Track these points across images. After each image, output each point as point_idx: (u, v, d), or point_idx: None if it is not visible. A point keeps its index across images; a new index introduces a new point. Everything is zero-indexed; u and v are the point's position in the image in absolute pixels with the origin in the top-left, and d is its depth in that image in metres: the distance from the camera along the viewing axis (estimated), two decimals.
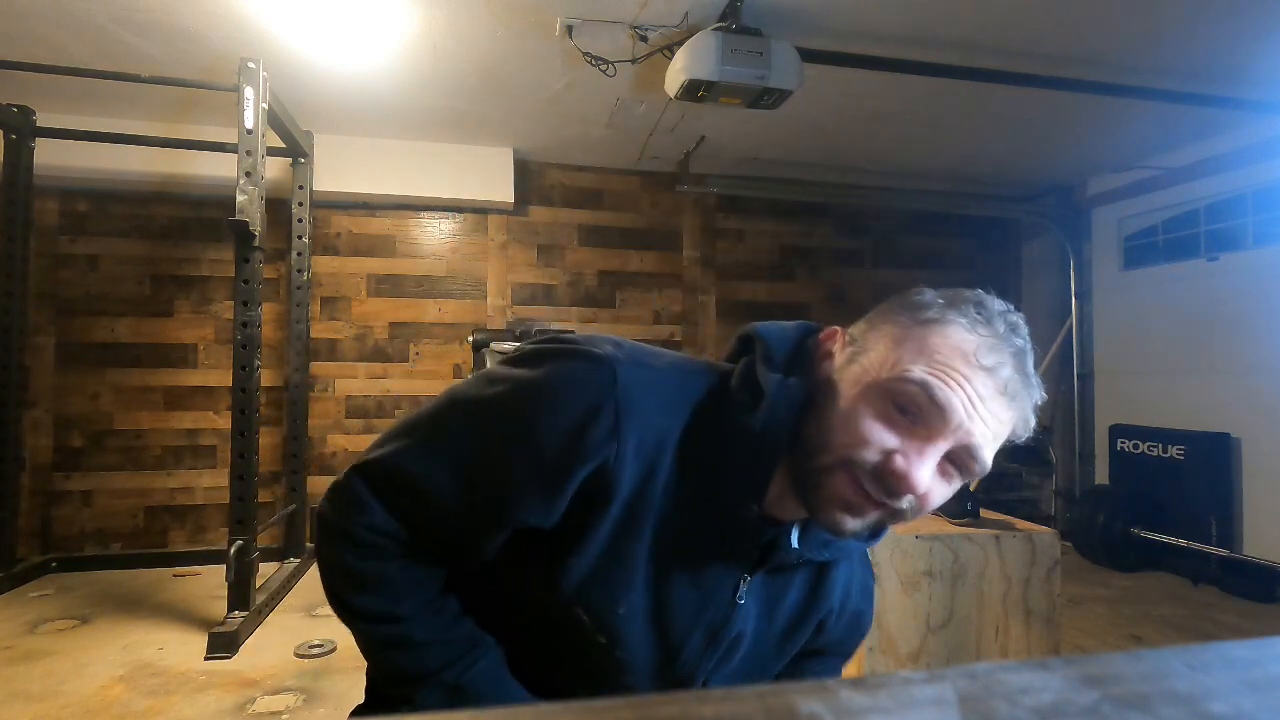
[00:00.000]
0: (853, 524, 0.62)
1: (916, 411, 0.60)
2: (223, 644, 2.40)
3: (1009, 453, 3.83)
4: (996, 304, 0.63)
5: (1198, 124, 3.42)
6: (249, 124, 2.58)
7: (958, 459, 0.61)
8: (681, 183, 4.12)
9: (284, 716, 2.02)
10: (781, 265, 4.51)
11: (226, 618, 2.53)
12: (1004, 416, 0.61)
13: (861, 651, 1.63)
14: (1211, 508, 3.46)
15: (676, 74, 2.44)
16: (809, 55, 2.52)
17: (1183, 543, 3.44)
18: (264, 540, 3.04)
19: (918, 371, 0.59)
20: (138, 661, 2.35)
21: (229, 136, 2.83)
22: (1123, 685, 0.20)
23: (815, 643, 0.83)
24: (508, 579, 0.72)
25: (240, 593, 2.57)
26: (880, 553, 1.64)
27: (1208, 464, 3.52)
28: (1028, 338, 0.63)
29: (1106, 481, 4.11)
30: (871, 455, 0.60)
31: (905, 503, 0.61)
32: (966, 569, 1.69)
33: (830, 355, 0.67)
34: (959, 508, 1.80)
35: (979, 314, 0.62)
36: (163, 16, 2.47)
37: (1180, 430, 3.69)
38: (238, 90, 2.58)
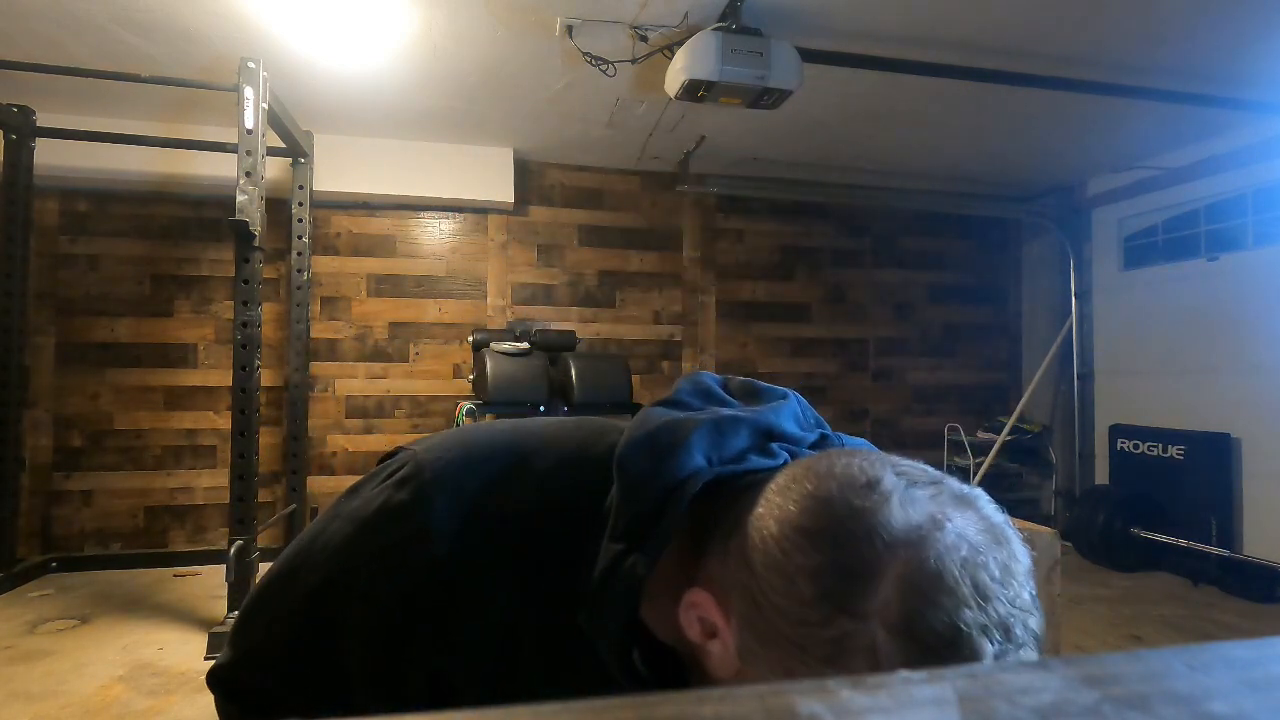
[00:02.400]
0: None
1: None
2: (223, 644, 2.40)
3: (1009, 453, 3.80)
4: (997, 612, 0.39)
5: (1198, 124, 3.42)
6: (249, 124, 2.58)
7: None
8: (681, 183, 4.12)
9: None
10: (781, 265, 4.51)
11: (226, 618, 2.53)
12: None
13: None
14: (1211, 508, 3.46)
15: (676, 74, 2.44)
16: (809, 55, 2.52)
17: (1183, 543, 3.44)
18: (264, 540, 3.04)
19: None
20: (138, 661, 2.35)
21: (229, 136, 2.83)
22: (1123, 685, 0.20)
23: None
24: None
25: (240, 593, 2.56)
26: None
27: (1208, 464, 3.52)
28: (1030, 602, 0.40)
29: (1106, 481, 4.11)
30: None
31: None
32: None
33: (697, 621, 0.46)
34: None
35: (972, 622, 0.38)
36: (163, 16, 2.47)
37: (1180, 430, 3.69)
38: (238, 90, 2.58)
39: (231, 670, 0.58)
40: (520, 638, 0.49)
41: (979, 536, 0.41)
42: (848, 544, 0.40)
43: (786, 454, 0.50)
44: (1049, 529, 1.78)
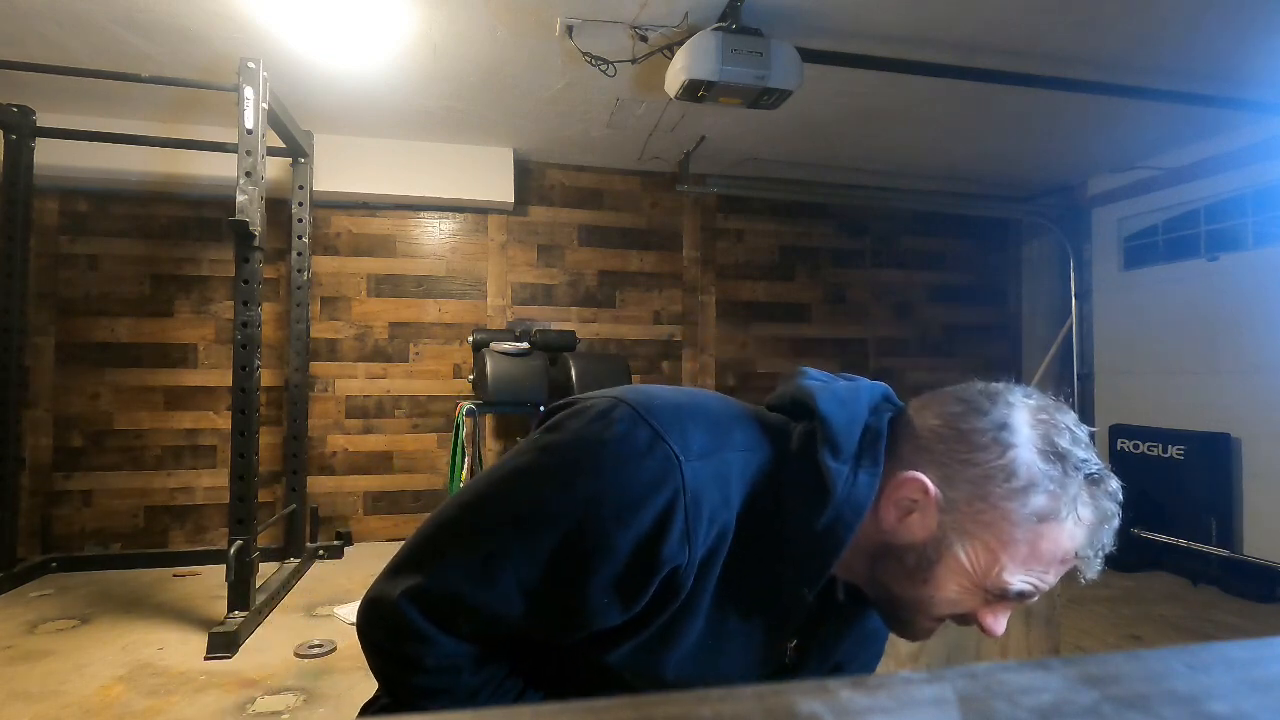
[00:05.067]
0: (924, 636, 0.68)
1: (1016, 593, 0.63)
2: (223, 644, 2.40)
3: None
4: (1092, 452, 0.64)
5: (1198, 124, 3.42)
6: (249, 124, 2.58)
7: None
8: (681, 183, 4.12)
9: (284, 716, 2.02)
10: (781, 265, 4.51)
11: (226, 618, 2.53)
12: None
13: None
14: (1211, 508, 3.46)
15: (676, 74, 2.44)
16: (809, 55, 2.52)
17: (1183, 543, 3.43)
18: (264, 540, 3.04)
19: (1017, 583, 0.61)
20: (138, 661, 2.35)
21: (229, 136, 2.83)
22: (1123, 685, 0.20)
23: (846, 666, 0.84)
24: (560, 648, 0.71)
25: (240, 593, 2.57)
26: None
27: (1208, 464, 3.52)
28: (1120, 495, 0.65)
29: None
30: (944, 609, 0.65)
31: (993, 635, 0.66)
32: None
33: (912, 507, 0.64)
34: None
35: (1090, 497, 0.62)
36: (163, 16, 2.47)
37: (1180, 430, 3.69)
38: (238, 90, 2.58)
39: (446, 586, 0.63)
40: (723, 541, 0.63)
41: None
42: (993, 403, 0.66)
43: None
44: None
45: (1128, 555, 3.65)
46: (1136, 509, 3.67)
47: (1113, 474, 0.64)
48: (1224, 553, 3.31)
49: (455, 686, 0.67)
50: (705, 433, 0.64)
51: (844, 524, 0.63)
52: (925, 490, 0.63)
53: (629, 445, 0.61)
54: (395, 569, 0.67)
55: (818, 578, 0.64)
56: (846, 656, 0.81)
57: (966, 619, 0.65)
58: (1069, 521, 0.61)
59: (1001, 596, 0.62)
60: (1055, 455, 0.62)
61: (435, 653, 0.64)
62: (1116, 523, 0.64)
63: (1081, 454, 0.63)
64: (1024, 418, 0.64)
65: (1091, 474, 0.62)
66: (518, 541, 0.62)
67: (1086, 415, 4.37)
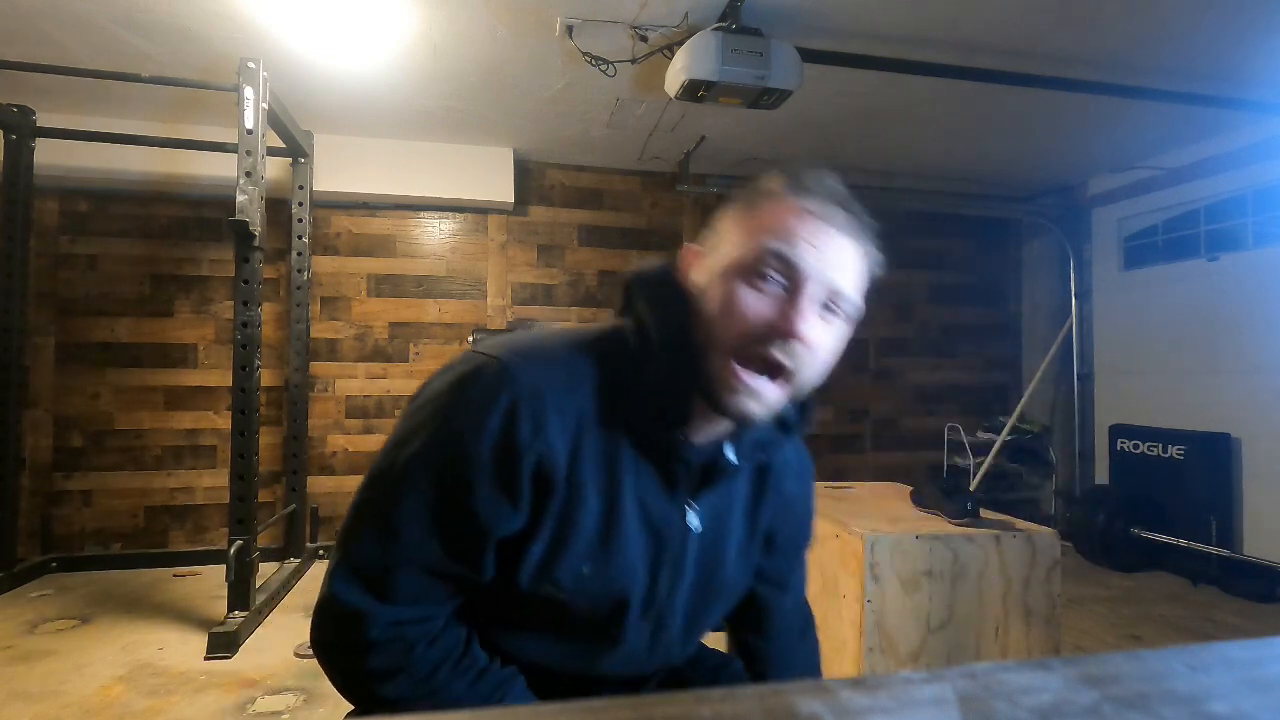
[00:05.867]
0: (756, 405, 0.69)
1: (776, 275, 0.67)
2: (223, 644, 2.40)
3: (1009, 453, 3.80)
4: (812, 172, 0.72)
5: (1198, 124, 3.42)
6: (249, 124, 2.58)
7: (830, 304, 0.69)
8: (681, 183, 4.12)
9: (284, 716, 2.02)
10: None
11: (226, 618, 2.53)
12: (851, 254, 0.69)
13: (861, 651, 1.63)
14: (1211, 508, 3.46)
15: (676, 74, 2.44)
16: (809, 55, 2.52)
17: (1183, 543, 3.43)
18: (264, 540, 3.05)
19: (764, 242, 0.67)
20: (138, 661, 2.35)
21: (229, 136, 2.83)
22: (1123, 685, 0.20)
23: (776, 536, 0.91)
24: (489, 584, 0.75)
25: (240, 593, 2.57)
26: (880, 553, 1.64)
27: (1208, 464, 3.52)
28: (846, 190, 0.72)
29: (1106, 481, 4.11)
30: (757, 328, 0.67)
31: (795, 350, 0.67)
32: (966, 569, 1.69)
33: (692, 260, 0.75)
34: (959, 508, 1.80)
35: (798, 181, 0.70)
36: (163, 16, 2.47)
37: (1180, 430, 3.69)
38: (238, 90, 2.58)
39: (366, 557, 0.69)
40: (585, 426, 0.70)
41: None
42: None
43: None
44: (1049, 529, 1.78)
45: (1128, 555, 3.65)
46: (1136, 509, 3.67)
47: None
48: (1224, 553, 3.31)
49: (410, 664, 0.69)
50: (536, 344, 0.73)
51: (675, 347, 0.71)
52: (689, 250, 0.76)
53: (467, 374, 0.70)
54: (328, 570, 0.72)
55: (684, 414, 0.72)
56: (775, 524, 0.89)
57: (775, 325, 0.67)
58: (783, 194, 0.70)
59: (769, 262, 0.67)
60: (777, 174, 0.73)
61: (377, 624, 0.68)
62: (855, 205, 0.71)
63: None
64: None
65: (797, 172, 0.72)
66: (406, 492, 0.68)
67: (1086, 415, 4.37)
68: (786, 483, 0.88)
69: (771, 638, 0.97)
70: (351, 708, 0.80)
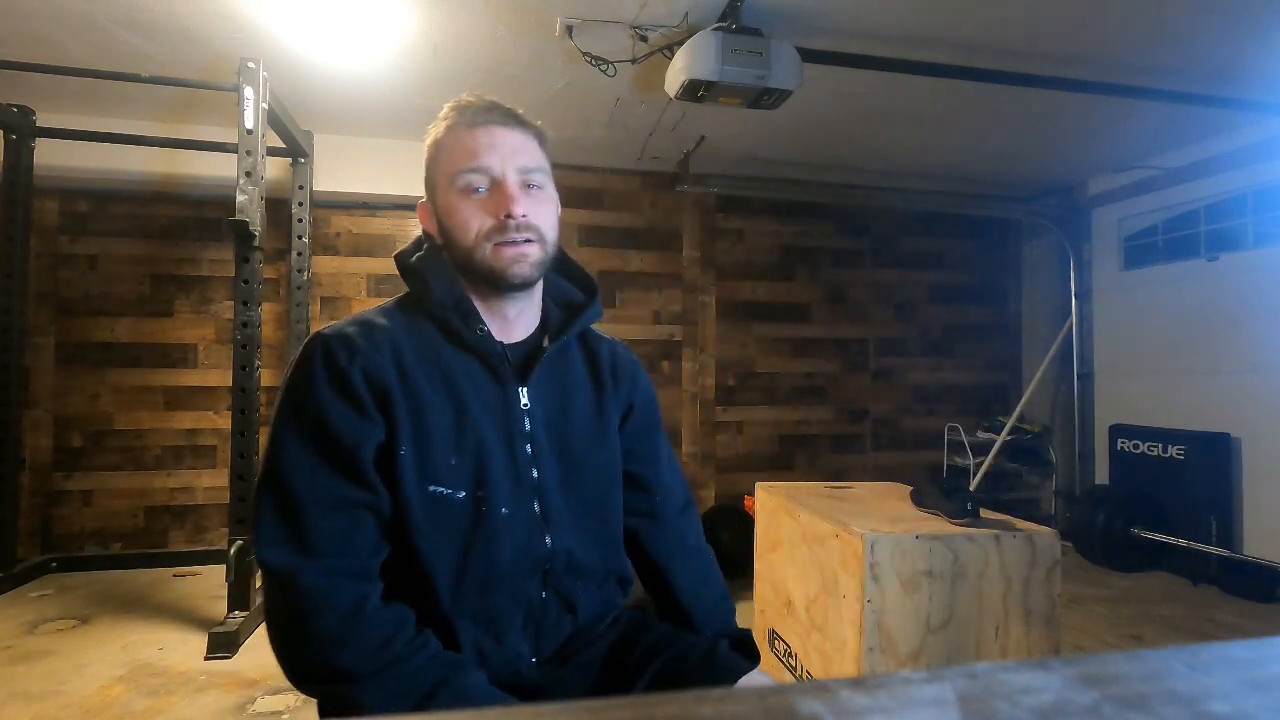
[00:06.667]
0: (524, 265, 0.88)
1: (479, 185, 0.87)
2: (223, 644, 2.40)
3: (1009, 453, 3.80)
4: (461, 98, 0.94)
5: (1198, 124, 3.42)
6: (249, 124, 2.58)
7: (530, 182, 0.89)
8: (681, 183, 4.12)
9: (284, 716, 2.02)
10: (781, 265, 4.51)
11: (226, 618, 2.53)
12: (517, 134, 0.90)
13: (861, 651, 1.63)
14: (1211, 508, 3.46)
15: (676, 74, 2.44)
16: (809, 55, 2.51)
17: (1183, 543, 3.43)
18: None
19: (458, 165, 0.88)
20: (138, 661, 2.35)
21: (229, 136, 2.83)
22: (1123, 685, 0.20)
23: (633, 409, 1.06)
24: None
25: (240, 593, 2.57)
26: (880, 553, 1.64)
27: (1208, 464, 3.52)
28: (492, 100, 0.94)
29: (1106, 481, 4.11)
30: (487, 224, 0.87)
31: (521, 225, 0.86)
32: (966, 569, 1.69)
33: (426, 216, 0.96)
34: (959, 508, 1.80)
35: (456, 106, 0.93)
36: (163, 16, 2.47)
37: (1180, 430, 3.69)
38: (238, 90, 2.58)
39: (273, 516, 0.79)
40: (401, 346, 0.87)
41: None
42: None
43: None
44: (1049, 529, 1.78)
45: (1128, 555, 3.65)
46: (1136, 509, 3.67)
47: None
48: (1224, 553, 3.31)
49: (359, 630, 0.75)
50: (347, 317, 0.90)
51: (436, 270, 0.91)
52: (422, 205, 0.98)
53: (297, 355, 0.85)
54: (252, 549, 0.85)
55: (471, 313, 0.89)
56: (630, 397, 1.06)
57: (500, 218, 0.86)
58: (448, 123, 0.92)
59: (471, 176, 0.88)
60: (443, 114, 0.94)
61: (308, 573, 0.76)
62: (489, 102, 0.94)
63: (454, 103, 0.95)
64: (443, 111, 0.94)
65: (454, 104, 0.95)
66: (283, 449, 0.81)
67: (1086, 415, 4.37)
68: (623, 363, 1.07)
69: (658, 515, 1.09)
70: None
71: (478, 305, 0.90)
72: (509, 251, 0.86)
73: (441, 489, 0.83)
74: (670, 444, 1.16)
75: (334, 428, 0.80)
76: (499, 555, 0.86)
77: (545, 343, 0.95)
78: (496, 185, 0.87)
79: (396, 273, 0.94)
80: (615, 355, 1.07)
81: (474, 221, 0.86)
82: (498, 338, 0.91)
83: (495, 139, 0.88)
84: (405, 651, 0.75)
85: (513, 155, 0.88)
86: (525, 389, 0.92)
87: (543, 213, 0.89)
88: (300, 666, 0.76)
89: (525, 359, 0.94)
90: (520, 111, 0.93)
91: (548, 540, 0.90)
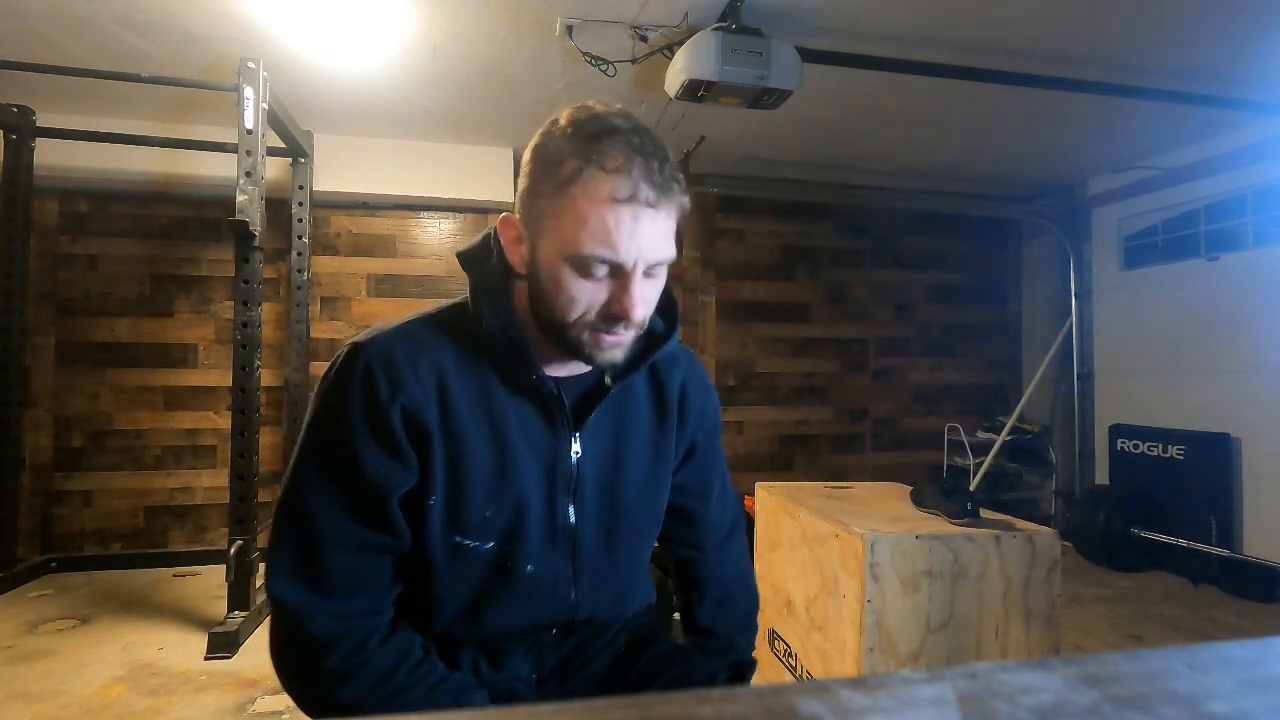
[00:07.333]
0: (618, 353, 0.77)
1: (604, 266, 0.72)
2: (223, 644, 2.40)
3: (1009, 453, 3.80)
4: (609, 117, 0.73)
5: (1198, 124, 3.42)
6: (249, 124, 2.58)
7: (650, 271, 0.75)
8: None
9: (284, 716, 2.02)
10: (781, 265, 4.51)
11: (226, 618, 2.53)
12: (662, 223, 0.74)
13: (861, 651, 1.63)
14: (1211, 508, 3.46)
15: (676, 74, 2.44)
16: (809, 55, 2.51)
17: (1183, 543, 3.43)
18: (264, 540, 3.04)
19: (587, 248, 0.70)
20: (138, 661, 2.35)
21: (229, 136, 2.83)
22: (1123, 685, 0.20)
23: (697, 448, 0.98)
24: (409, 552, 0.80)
25: (240, 593, 2.57)
26: (880, 553, 1.64)
27: (1208, 464, 3.52)
28: (644, 126, 0.76)
29: (1106, 481, 4.11)
30: (596, 311, 0.74)
31: (635, 321, 0.75)
32: (966, 569, 1.69)
33: (512, 241, 0.78)
34: (959, 508, 1.80)
35: (602, 145, 0.71)
36: (163, 16, 2.47)
37: (1180, 430, 3.69)
38: (238, 90, 2.58)
39: (292, 551, 0.75)
40: (447, 379, 0.77)
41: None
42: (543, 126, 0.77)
43: None
44: (1049, 529, 1.78)
45: (1128, 555, 3.65)
46: (1136, 509, 3.67)
47: (620, 118, 0.74)
48: (1224, 553, 3.31)
49: (365, 663, 0.73)
50: (388, 324, 0.81)
51: (500, 310, 0.78)
52: (509, 221, 0.78)
53: (331, 366, 0.78)
54: (265, 579, 0.76)
55: (528, 359, 0.78)
56: (696, 435, 0.96)
57: (613, 312, 0.73)
58: (592, 169, 0.70)
59: (595, 264, 0.71)
60: (572, 133, 0.72)
61: (320, 618, 0.73)
62: (640, 147, 0.73)
63: (588, 119, 0.72)
64: (561, 119, 0.74)
65: (593, 131, 0.71)
66: (308, 480, 0.75)
67: (1086, 415, 4.37)
68: (692, 394, 0.95)
69: (701, 547, 1.04)
70: None
71: (540, 339, 0.80)
72: (609, 339, 0.75)
73: (469, 541, 0.78)
74: (727, 468, 1.08)
75: (365, 470, 0.74)
76: (514, 611, 0.82)
77: (608, 379, 0.84)
78: (619, 271, 0.73)
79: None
80: (685, 387, 0.94)
81: (581, 303, 0.73)
82: (553, 374, 0.82)
83: (640, 227, 0.71)
84: (408, 682, 0.74)
85: (650, 248, 0.73)
86: (579, 435, 0.84)
87: (652, 299, 0.78)
88: (306, 698, 0.75)
89: (583, 398, 0.84)
90: (676, 173, 0.77)
91: (573, 595, 0.85)
